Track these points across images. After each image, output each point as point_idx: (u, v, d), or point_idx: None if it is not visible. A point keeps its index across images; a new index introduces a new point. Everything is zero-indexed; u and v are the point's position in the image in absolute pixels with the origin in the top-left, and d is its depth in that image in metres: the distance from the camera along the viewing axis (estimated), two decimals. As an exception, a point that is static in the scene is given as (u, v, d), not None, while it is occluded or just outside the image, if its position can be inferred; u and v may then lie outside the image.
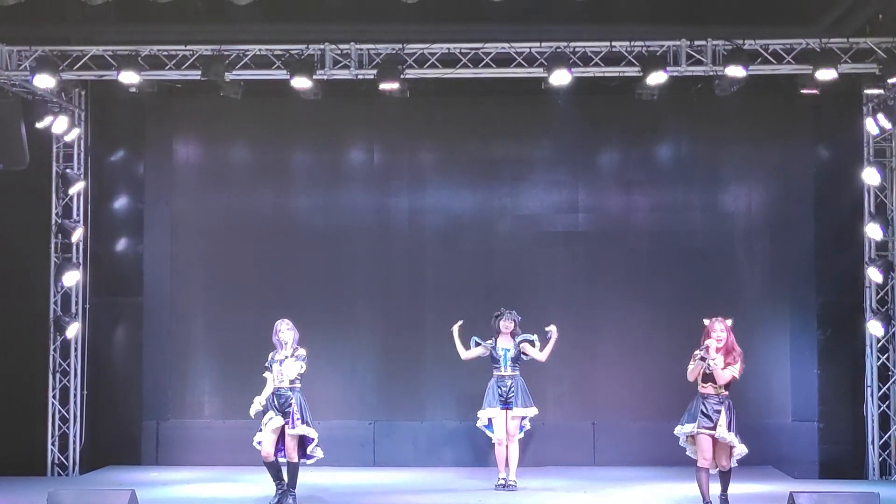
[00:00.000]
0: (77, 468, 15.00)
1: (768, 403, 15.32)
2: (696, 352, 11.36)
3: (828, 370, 15.27)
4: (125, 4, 12.94)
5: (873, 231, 14.58)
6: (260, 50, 13.98)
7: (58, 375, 15.00)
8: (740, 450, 11.25)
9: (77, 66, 14.05)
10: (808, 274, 15.35)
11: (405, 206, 15.73)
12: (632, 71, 13.83)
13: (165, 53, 13.96)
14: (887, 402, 14.68)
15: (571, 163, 15.72)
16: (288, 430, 11.55)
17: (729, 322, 11.30)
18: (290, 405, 11.54)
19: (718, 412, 11.12)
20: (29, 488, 13.08)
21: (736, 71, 13.38)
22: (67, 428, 15.01)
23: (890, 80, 13.50)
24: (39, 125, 14.50)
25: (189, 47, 13.89)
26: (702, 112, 15.38)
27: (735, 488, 13.13)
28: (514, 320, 12.99)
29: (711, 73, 13.81)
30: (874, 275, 14.61)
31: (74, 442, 15.06)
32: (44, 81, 13.65)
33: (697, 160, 15.72)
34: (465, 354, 13.13)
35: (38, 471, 14.84)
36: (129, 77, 13.71)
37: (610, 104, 15.28)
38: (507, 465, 12.94)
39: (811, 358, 15.30)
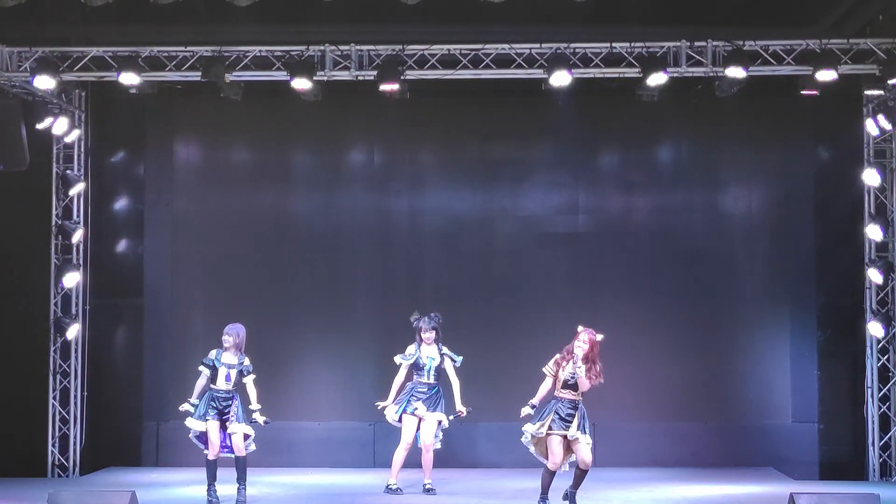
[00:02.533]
0: (77, 469, 15.00)
1: (768, 404, 15.34)
2: (557, 356, 11.31)
3: (828, 371, 15.28)
4: (125, 5, 12.93)
5: (873, 232, 14.57)
6: (260, 51, 13.98)
7: (58, 377, 15.00)
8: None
9: (77, 67, 14.05)
10: (809, 275, 15.35)
11: (405, 207, 15.74)
12: (632, 72, 13.83)
13: (166, 54, 13.96)
14: (887, 404, 14.67)
15: (572, 164, 15.72)
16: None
17: (599, 337, 11.24)
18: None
19: (572, 415, 11.13)
20: (29, 489, 13.08)
21: (736, 72, 13.38)
22: (68, 429, 15.01)
23: (890, 81, 13.49)
24: (40, 126, 14.50)
25: (189, 48, 13.90)
26: (702, 113, 15.38)
27: (735, 489, 13.18)
28: (435, 328, 12.53)
29: (711, 74, 13.81)
30: (874, 276, 14.60)
31: (75, 443, 15.06)
32: (44, 82, 13.65)
33: (698, 161, 15.72)
34: (396, 383, 12.71)
35: (39, 472, 14.84)
36: (129, 78, 13.71)
37: (610, 105, 15.27)
38: (398, 467, 12.75)
39: (811, 359, 15.30)
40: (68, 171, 15.07)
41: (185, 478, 14.17)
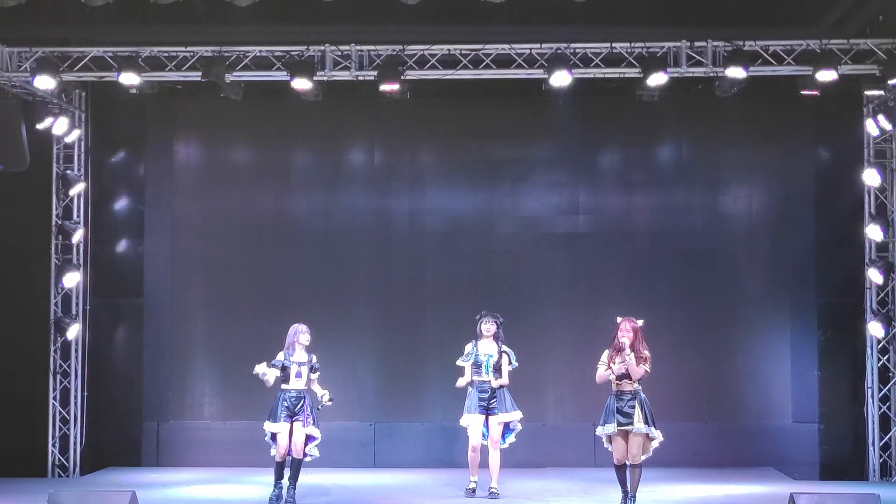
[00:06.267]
0: (77, 469, 15.00)
1: (769, 404, 15.33)
2: (607, 352, 11.41)
3: (828, 371, 15.27)
4: (125, 5, 12.94)
5: (874, 232, 14.58)
6: (260, 51, 13.98)
7: (58, 377, 15.00)
8: (657, 438, 11.34)
9: (77, 67, 14.05)
10: (809, 275, 15.35)
11: (406, 207, 15.74)
12: (632, 72, 13.84)
13: (166, 55, 13.96)
14: (888, 404, 14.67)
15: (572, 164, 15.72)
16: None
17: (640, 322, 11.29)
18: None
19: (633, 407, 11.24)
20: (29, 489, 13.09)
21: (736, 72, 13.38)
22: (68, 429, 15.01)
23: (890, 82, 13.50)
24: (40, 126, 14.50)
25: (189, 48, 13.89)
26: (702, 113, 15.39)
27: (735, 489, 13.18)
28: (496, 322, 12.54)
29: (712, 75, 13.81)
30: (874, 276, 14.61)
31: (75, 443, 15.05)
32: (44, 83, 13.65)
33: (698, 161, 15.73)
34: (463, 380, 12.54)
35: (39, 472, 14.83)
36: (129, 78, 13.71)
37: (610, 105, 15.28)
38: (477, 470, 12.57)
39: (812, 359, 15.30)
40: (68, 171, 15.07)
41: (185, 478, 14.20)
